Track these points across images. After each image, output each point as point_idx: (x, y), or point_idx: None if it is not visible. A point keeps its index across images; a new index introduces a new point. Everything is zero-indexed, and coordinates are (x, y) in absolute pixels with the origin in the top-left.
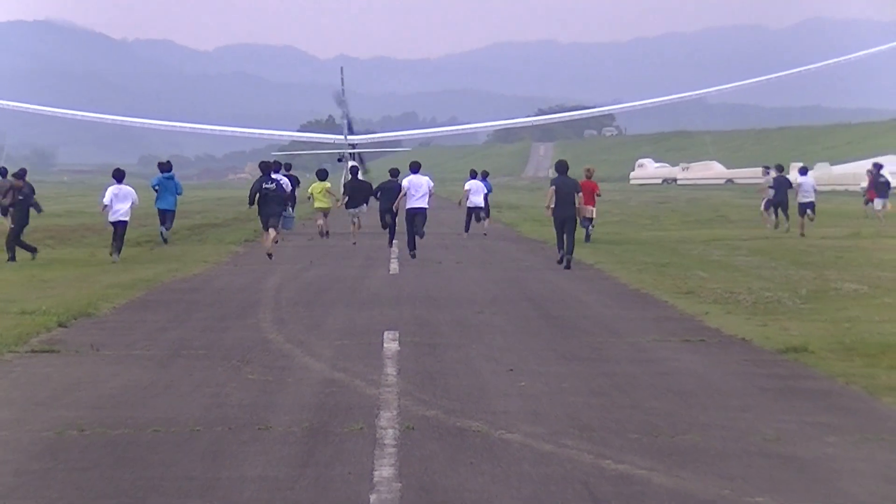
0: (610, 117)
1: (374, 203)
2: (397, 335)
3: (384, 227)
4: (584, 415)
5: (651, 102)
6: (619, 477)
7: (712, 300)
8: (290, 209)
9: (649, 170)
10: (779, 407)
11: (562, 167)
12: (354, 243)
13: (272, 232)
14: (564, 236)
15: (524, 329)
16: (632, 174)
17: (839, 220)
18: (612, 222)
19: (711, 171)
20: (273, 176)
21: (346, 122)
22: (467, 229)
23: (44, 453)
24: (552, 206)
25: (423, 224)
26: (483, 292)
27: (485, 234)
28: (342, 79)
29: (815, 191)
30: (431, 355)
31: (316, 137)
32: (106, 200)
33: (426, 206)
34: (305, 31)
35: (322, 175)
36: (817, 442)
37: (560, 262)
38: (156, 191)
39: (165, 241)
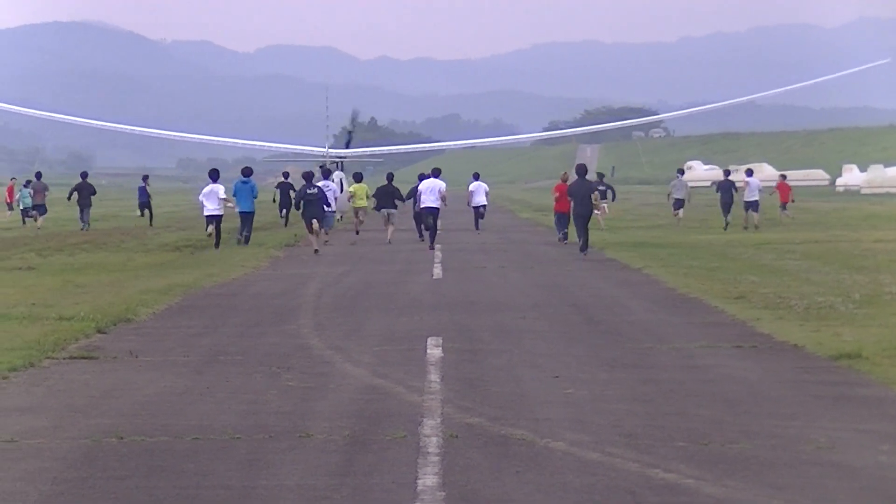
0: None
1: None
2: (440, 341)
3: (418, 227)
4: (629, 423)
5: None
6: (665, 486)
7: (763, 305)
8: (332, 210)
9: (698, 172)
10: (831, 414)
11: (581, 170)
12: (389, 241)
13: (319, 231)
14: (580, 230)
15: (567, 335)
16: (684, 177)
17: (894, 223)
18: (658, 226)
19: (761, 173)
20: (318, 183)
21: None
22: (477, 227)
23: (81, 461)
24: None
25: (436, 220)
26: (525, 297)
27: (478, 232)
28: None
29: (760, 191)
30: (474, 362)
31: (300, 149)
32: (201, 196)
33: (437, 206)
34: (345, 31)
35: (358, 178)
36: (870, 450)
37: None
38: (234, 196)
39: (246, 241)
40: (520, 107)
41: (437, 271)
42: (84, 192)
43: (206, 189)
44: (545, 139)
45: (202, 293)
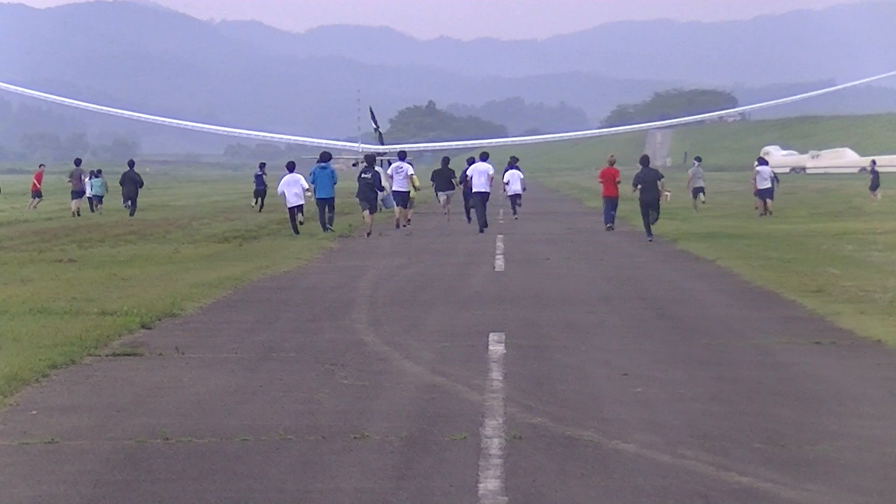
0: (732, 102)
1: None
2: (503, 337)
3: (467, 211)
4: (704, 423)
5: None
6: (742, 490)
7: (844, 299)
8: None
9: (776, 158)
10: None
11: (644, 160)
12: (448, 219)
13: (368, 213)
14: (649, 219)
15: (639, 330)
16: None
17: None
18: (733, 214)
19: (844, 158)
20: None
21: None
22: (514, 211)
23: (125, 463)
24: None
25: (485, 204)
26: (594, 290)
27: (515, 218)
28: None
29: (773, 179)
30: (539, 359)
31: (333, 145)
32: (279, 190)
33: (487, 191)
34: (403, 10)
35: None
36: None
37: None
38: (312, 183)
39: (326, 228)
40: (586, 89)
41: (500, 263)
42: (128, 185)
43: (286, 179)
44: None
45: (252, 286)
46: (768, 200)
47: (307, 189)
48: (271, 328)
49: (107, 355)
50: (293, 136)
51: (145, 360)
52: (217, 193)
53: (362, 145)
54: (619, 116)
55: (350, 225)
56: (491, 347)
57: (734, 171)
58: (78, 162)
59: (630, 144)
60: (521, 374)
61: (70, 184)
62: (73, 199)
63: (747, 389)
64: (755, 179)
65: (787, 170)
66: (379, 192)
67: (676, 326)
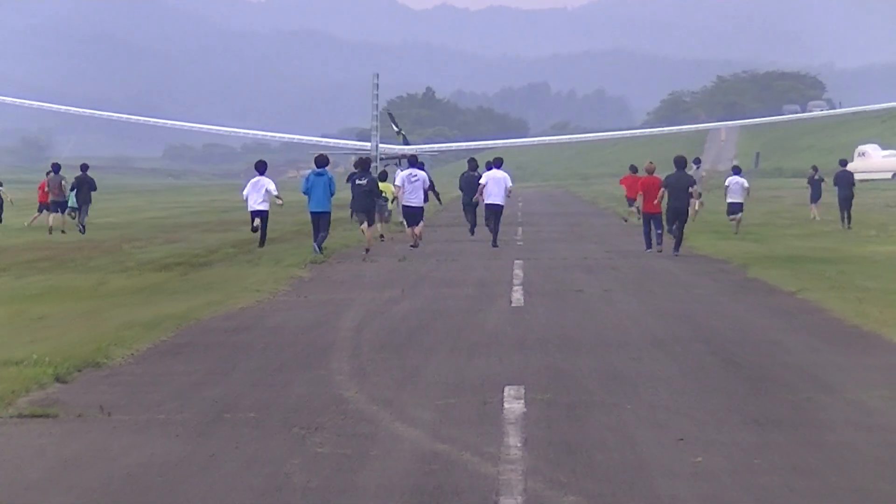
0: (818, 88)
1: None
2: (523, 391)
3: (468, 219)
4: (784, 502)
5: None
6: None
7: None
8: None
9: (874, 160)
10: None
11: (679, 162)
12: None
13: (366, 227)
14: (675, 226)
15: (699, 382)
16: (850, 166)
17: None
18: (821, 233)
19: None
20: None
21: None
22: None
23: None
24: (662, 201)
25: (499, 218)
26: (641, 331)
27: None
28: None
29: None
30: (570, 419)
31: (350, 145)
32: (244, 192)
33: (502, 203)
34: None
35: (383, 177)
36: None
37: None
38: (306, 193)
39: (319, 251)
40: (632, 72)
41: (518, 296)
42: (84, 188)
43: (252, 181)
44: (663, 117)
45: (200, 327)
46: (739, 216)
47: (279, 197)
48: (226, 381)
49: (11, 417)
50: (312, 137)
51: (61, 424)
52: (154, 208)
53: (385, 146)
54: (673, 107)
55: (325, 247)
56: (507, 405)
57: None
58: (56, 168)
59: (687, 142)
60: (547, 439)
61: (49, 194)
62: (51, 211)
63: (840, 458)
64: (725, 192)
65: (890, 175)
66: (378, 201)
67: (747, 377)
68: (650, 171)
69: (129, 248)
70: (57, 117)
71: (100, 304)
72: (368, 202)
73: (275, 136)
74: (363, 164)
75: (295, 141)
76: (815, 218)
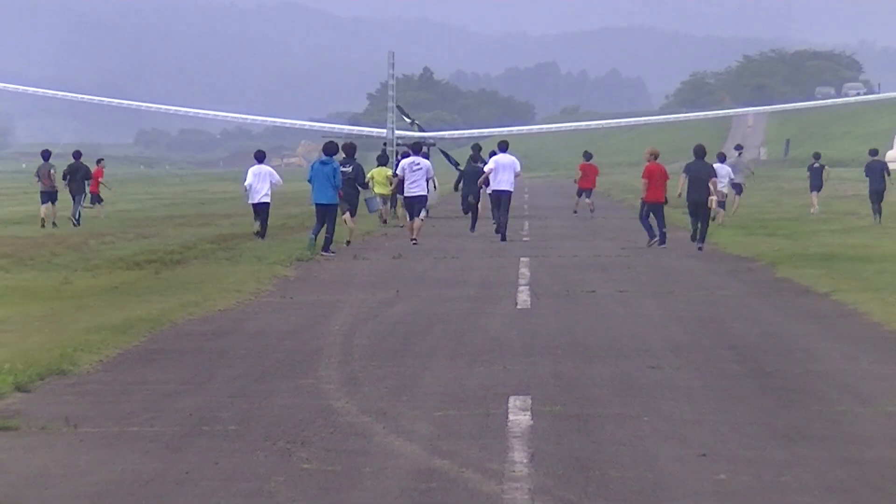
0: (855, 69)
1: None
2: (529, 402)
3: (465, 211)
4: None
5: None
6: None
7: None
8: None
9: None
10: None
11: (699, 151)
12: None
13: (349, 218)
14: (699, 223)
15: (723, 392)
16: (888, 154)
17: None
18: (856, 228)
19: None
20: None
21: (416, 126)
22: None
23: None
24: (683, 193)
25: (508, 208)
26: (659, 336)
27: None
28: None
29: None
30: (581, 433)
31: (365, 131)
32: (246, 183)
33: (510, 190)
34: None
35: (383, 160)
36: None
37: (693, 239)
38: (311, 182)
39: (311, 249)
40: (649, 50)
41: (524, 297)
42: (77, 176)
43: (254, 172)
44: (686, 101)
45: (175, 332)
46: (720, 211)
47: (279, 185)
48: (203, 391)
49: None
50: (324, 123)
51: (22, 437)
52: (125, 199)
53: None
54: (694, 90)
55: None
56: (512, 417)
57: (857, 166)
58: (46, 155)
59: (710, 128)
60: (556, 454)
61: (39, 184)
62: (42, 202)
63: (879, 476)
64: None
65: None
66: (361, 190)
67: (776, 387)
68: (655, 156)
69: (97, 243)
70: (16, 99)
71: (64, 306)
72: (352, 190)
73: (266, 121)
74: (348, 149)
75: (297, 126)
76: (813, 210)
